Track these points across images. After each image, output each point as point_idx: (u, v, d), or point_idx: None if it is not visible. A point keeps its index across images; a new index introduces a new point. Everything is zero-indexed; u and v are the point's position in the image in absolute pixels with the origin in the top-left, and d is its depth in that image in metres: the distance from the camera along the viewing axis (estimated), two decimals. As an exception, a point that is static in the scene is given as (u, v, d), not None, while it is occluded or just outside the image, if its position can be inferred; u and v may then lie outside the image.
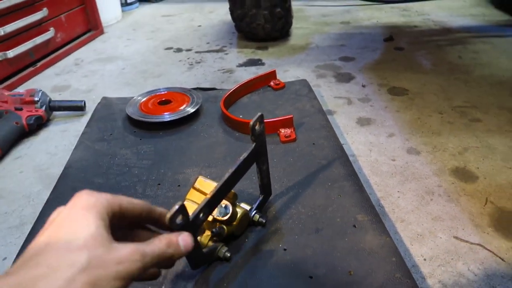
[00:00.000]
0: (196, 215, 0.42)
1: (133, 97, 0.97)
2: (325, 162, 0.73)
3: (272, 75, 1.04)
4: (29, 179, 0.84)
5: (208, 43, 1.61)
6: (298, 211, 0.62)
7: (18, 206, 0.77)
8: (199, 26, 1.85)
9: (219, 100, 0.93)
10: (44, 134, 1.01)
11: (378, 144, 0.89)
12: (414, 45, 1.46)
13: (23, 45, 1.31)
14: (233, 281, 0.51)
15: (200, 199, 0.53)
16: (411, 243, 0.63)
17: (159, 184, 0.70)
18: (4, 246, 0.68)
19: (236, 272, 0.53)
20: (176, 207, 0.37)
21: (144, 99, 0.96)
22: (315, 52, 1.45)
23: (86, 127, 0.90)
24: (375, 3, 2.02)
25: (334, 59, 1.37)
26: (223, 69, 1.34)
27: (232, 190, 0.54)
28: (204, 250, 0.51)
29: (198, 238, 0.53)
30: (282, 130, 0.81)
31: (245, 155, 0.51)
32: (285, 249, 0.56)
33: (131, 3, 2.21)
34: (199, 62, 1.41)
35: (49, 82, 1.33)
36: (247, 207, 0.58)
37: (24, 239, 0.61)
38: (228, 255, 0.53)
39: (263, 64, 1.37)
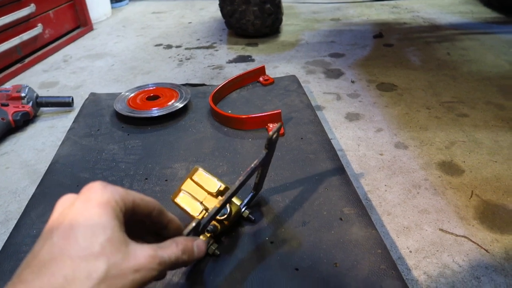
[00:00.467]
0: (206, 224, 0.43)
1: (121, 92, 0.96)
2: (313, 156, 0.73)
3: (261, 70, 1.04)
4: (16, 175, 0.83)
5: (198, 39, 1.60)
6: (286, 205, 0.62)
7: (3, 201, 0.76)
8: (190, 23, 1.85)
9: (208, 96, 0.93)
10: (31, 130, 1.00)
11: (366, 139, 0.89)
12: (403, 41, 1.47)
13: (10, 41, 1.29)
14: (220, 275, 0.51)
15: (196, 192, 0.53)
16: (397, 236, 0.64)
17: (146, 178, 0.70)
18: (-11, 242, 0.67)
19: (223, 265, 0.53)
20: (193, 224, 0.38)
21: (132, 94, 0.95)
22: (305, 48, 1.45)
23: (73, 122, 0.89)
24: (366, 0, 2.03)
25: (324, 55, 1.38)
26: (213, 66, 1.34)
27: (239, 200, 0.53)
28: None
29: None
30: (271, 125, 0.81)
31: (256, 162, 0.50)
32: (272, 242, 0.56)
33: (121, 0, 2.19)
34: (189, 59, 1.41)
35: (37, 79, 1.31)
36: (237, 202, 0.58)
37: (8, 235, 0.60)
38: (218, 253, 0.53)
39: (253, 60, 1.37)
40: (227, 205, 0.54)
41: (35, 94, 1.03)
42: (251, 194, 0.60)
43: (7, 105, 0.98)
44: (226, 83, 0.97)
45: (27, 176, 0.83)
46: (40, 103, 1.04)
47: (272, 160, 0.72)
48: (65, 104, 1.05)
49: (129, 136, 0.83)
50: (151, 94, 0.94)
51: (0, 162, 0.88)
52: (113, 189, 0.31)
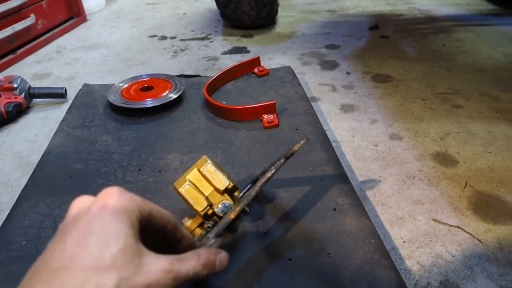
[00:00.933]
0: (216, 235, 0.43)
1: (114, 83, 0.95)
2: (308, 147, 0.73)
3: (256, 61, 1.03)
4: (8, 166, 0.82)
5: (193, 31, 1.59)
6: (279, 195, 0.62)
7: (-4, 193, 0.75)
8: (184, 14, 1.83)
9: (202, 87, 0.92)
10: (23, 121, 0.99)
11: (361, 130, 0.89)
12: (399, 33, 1.46)
13: (2, 31, 1.28)
14: (212, 264, 0.51)
15: (202, 185, 0.51)
16: (391, 226, 0.64)
17: (139, 169, 0.70)
18: (-19, 233, 0.66)
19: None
20: (213, 241, 0.40)
21: (126, 85, 0.94)
22: (301, 40, 1.44)
23: (66, 113, 0.89)
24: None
25: (320, 47, 1.37)
26: (208, 57, 1.33)
27: (234, 183, 0.52)
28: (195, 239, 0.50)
29: (190, 227, 0.52)
30: (265, 116, 0.81)
31: (274, 172, 0.49)
32: (265, 233, 0.56)
33: (115, -9, 2.17)
34: (183, 50, 1.40)
35: (30, 70, 1.30)
36: (236, 195, 0.57)
37: (0, 226, 0.60)
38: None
39: (248, 51, 1.36)
40: (232, 205, 0.52)
41: (27, 85, 1.02)
42: (248, 186, 0.60)
43: (-1, 96, 0.97)
44: (221, 74, 0.96)
45: (20, 167, 0.82)
46: (33, 94, 1.03)
47: (265, 150, 0.72)
48: (58, 95, 1.04)
49: (122, 127, 0.82)
50: (145, 85, 0.93)
51: (-8, 154, 0.87)
52: (130, 197, 0.30)
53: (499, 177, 0.73)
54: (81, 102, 0.93)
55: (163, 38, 1.53)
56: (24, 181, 0.74)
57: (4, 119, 0.96)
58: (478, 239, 0.61)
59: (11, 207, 0.63)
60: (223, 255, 0.36)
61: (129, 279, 0.26)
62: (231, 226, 0.57)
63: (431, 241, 0.61)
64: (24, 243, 0.56)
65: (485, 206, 0.67)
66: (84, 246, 0.27)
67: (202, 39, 1.49)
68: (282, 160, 0.51)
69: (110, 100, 0.88)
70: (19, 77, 1.01)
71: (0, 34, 1.27)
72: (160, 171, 0.69)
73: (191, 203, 0.50)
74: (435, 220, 0.65)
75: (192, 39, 1.50)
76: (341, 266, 0.50)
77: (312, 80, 1.13)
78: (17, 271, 0.51)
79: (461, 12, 1.67)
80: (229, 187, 0.51)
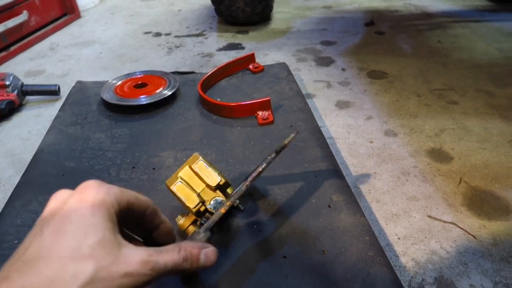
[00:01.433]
0: (206, 230, 0.42)
1: (108, 80, 0.95)
2: (303, 144, 0.73)
3: (251, 58, 1.03)
4: (1, 164, 0.82)
5: (188, 27, 1.58)
6: (274, 192, 0.62)
7: (-12, 192, 0.75)
8: (179, 10, 1.82)
9: (197, 84, 0.92)
10: (16, 119, 0.98)
11: (356, 127, 0.89)
12: (395, 29, 1.46)
13: (-6, 28, 1.27)
14: (206, 262, 0.51)
15: (194, 182, 0.50)
16: (386, 223, 0.64)
17: (133, 167, 0.69)
18: (-27, 232, 0.66)
19: (210, 253, 0.52)
20: (202, 234, 0.39)
21: (120, 82, 0.93)
22: (296, 36, 1.44)
23: (59, 111, 0.88)
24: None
25: (315, 43, 1.37)
26: (203, 53, 1.32)
27: (225, 180, 0.52)
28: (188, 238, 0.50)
29: (184, 225, 0.52)
30: (260, 113, 0.81)
31: (264, 166, 0.49)
32: (259, 230, 0.55)
33: (109, -13, 2.15)
34: (178, 47, 1.39)
35: (23, 67, 1.29)
36: (230, 192, 0.57)
37: (-7, 224, 0.59)
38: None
39: (243, 48, 1.36)
40: (224, 202, 0.52)
41: (20, 82, 1.01)
42: (242, 183, 0.59)
43: (-9, 93, 0.96)
44: (215, 70, 0.95)
45: (12, 165, 0.81)
46: (25, 91, 1.02)
47: (260, 147, 0.72)
48: (51, 92, 1.03)
49: (116, 125, 0.82)
50: (139, 82, 0.92)
51: (-16, 152, 0.86)
52: (108, 189, 0.30)
53: (494, 173, 0.73)
54: (75, 100, 0.92)
55: (158, 34, 1.52)
56: (16, 179, 0.73)
57: (-3, 116, 0.96)
58: (472, 235, 0.61)
59: (3, 205, 0.63)
60: (209, 249, 0.35)
61: (106, 268, 0.26)
62: (226, 223, 0.56)
63: (425, 237, 0.61)
64: (16, 242, 0.55)
65: (480, 202, 0.67)
66: (62, 237, 0.27)
67: (197, 35, 1.49)
68: (273, 155, 0.51)
69: (104, 98, 0.87)
70: (12, 74, 1.00)
71: (-8, 31, 1.26)
72: (154, 168, 0.69)
73: (183, 200, 0.50)
74: (429, 216, 0.65)
75: (187, 35, 1.49)
76: (335, 263, 0.50)
77: (308, 76, 1.13)
78: (9, 270, 0.51)
79: (456, 8, 1.67)
80: (221, 183, 0.51)
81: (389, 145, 0.82)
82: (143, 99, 0.86)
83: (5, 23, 1.30)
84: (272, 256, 0.51)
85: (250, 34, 1.48)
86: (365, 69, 1.16)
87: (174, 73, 1.01)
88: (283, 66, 1.02)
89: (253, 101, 0.80)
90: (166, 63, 1.26)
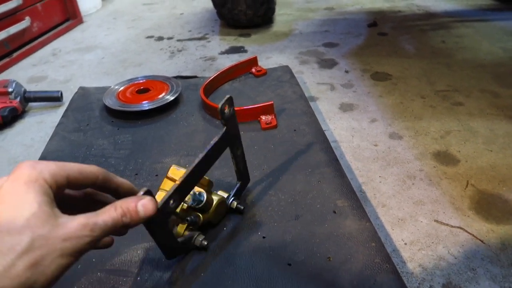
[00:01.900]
0: (165, 202, 0.41)
1: (110, 86, 0.94)
2: (306, 148, 0.72)
3: (253, 61, 1.02)
4: (4, 172, 0.81)
5: (190, 31, 1.58)
6: (278, 198, 0.61)
7: (-9, 200, 0.74)
8: (181, 14, 1.82)
9: (199, 88, 0.91)
10: (19, 126, 0.98)
11: (360, 130, 0.88)
12: (398, 30, 1.45)
13: (-4, 35, 1.27)
14: (209, 270, 0.50)
15: (169, 186, 0.51)
16: (392, 228, 0.63)
17: (136, 174, 0.69)
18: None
19: (213, 260, 0.52)
20: (141, 193, 0.36)
21: (122, 88, 0.93)
22: (299, 38, 1.43)
23: (62, 117, 0.87)
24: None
25: (318, 45, 1.36)
26: (205, 57, 1.32)
27: (207, 178, 0.52)
28: (180, 239, 0.50)
29: (174, 227, 0.52)
30: (263, 117, 0.80)
31: (216, 139, 0.50)
32: (264, 237, 0.55)
33: (111, -9, 2.15)
34: (180, 51, 1.38)
35: (25, 73, 1.29)
36: (225, 195, 0.57)
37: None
38: (205, 243, 0.52)
39: (245, 51, 1.35)
40: (204, 193, 0.52)
41: (22, 89, 1.01)
42: (237, 184, 0.59)
43: (-6, 100, 0.96)
44: (218, 74, 0.95)
45: (15, 173, 0.81)
46: (28, 98, 1.02)
47: (263, 152, 0.71)
48: (54, 98, 1.03)
49: (119, 131, 0.81)
50: (141, 87, 0.92)
51: (-13, 159, 0.86)
52: (43, 167, 0.31)
53: (501, 176, 0.72)
54: (77, 106, 0.92)
55: (160, 38, 1.52)
56: (19, 187, 0.73)
57: (0, 124, 0.95)
58: (480, 240, 0.60)
59: (6, 214, 0.62)
60: (146, 199, 0.35)
61: (44, 236, 0.28)
62: (226, 228, 0.56)
63: (433, 242, 0.60)
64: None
65: (487, 206, 0.66)
66: None
67: (199, 39, 1.48)
68: (223, 129, 0.52)
69: (106, 104, 0.87)
70: (14, 81, 1.00)
71: (-5, 38, 1.26)
72: (157, 175, 0.68)
73: None
74: (436, 221, 0.64)
75: (189, 39, 1.49)
76: (341, 270, 0.49)
77: (311, 79, 1.12)
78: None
79: (460, 8, 1.65)
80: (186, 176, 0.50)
81: (394, 148, 0.81)
82: (146, 105, 0.85)
83: (7, 29, 1.31)
84: (277, 263, 0.50)
85: (253, 37, 1.47)
86: (368, 70, 1.15)
87: (176, 77, 1.01)
88: (286, 69, 1.02)
89: (256, 106, 0.79)
90: (168, 67, 1.25)
